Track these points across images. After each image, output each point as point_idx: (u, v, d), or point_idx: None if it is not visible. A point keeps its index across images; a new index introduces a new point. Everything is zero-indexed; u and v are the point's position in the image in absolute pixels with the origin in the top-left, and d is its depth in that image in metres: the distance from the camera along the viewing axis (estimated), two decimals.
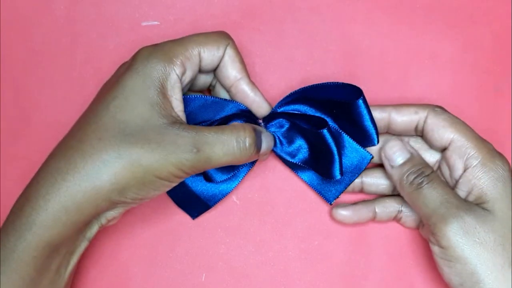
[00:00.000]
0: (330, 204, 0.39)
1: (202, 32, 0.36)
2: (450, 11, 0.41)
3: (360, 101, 0.36)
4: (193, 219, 0.40)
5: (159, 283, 0.40)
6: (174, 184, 0.33)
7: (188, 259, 0.40)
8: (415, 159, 0.36)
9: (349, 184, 0.38)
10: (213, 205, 0.39)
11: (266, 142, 0.35)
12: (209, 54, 0.35)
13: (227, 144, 0.33)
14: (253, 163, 0.39)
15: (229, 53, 0.35)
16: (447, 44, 0.41)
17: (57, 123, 0.40)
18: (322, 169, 0.37)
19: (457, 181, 0.35)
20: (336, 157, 0.36)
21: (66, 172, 0.31)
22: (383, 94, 0.41)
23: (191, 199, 0.39)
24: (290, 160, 0.38)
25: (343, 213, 0.39)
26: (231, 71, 0.36)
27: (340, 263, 0.40)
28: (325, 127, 0.35)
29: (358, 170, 0.38)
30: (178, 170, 0.32)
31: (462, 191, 0.35)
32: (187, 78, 0.34)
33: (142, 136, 0.31)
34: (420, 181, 0.35)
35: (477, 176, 0.34)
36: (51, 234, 0.31)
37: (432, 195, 0.34)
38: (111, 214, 0.33)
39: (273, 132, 0.38)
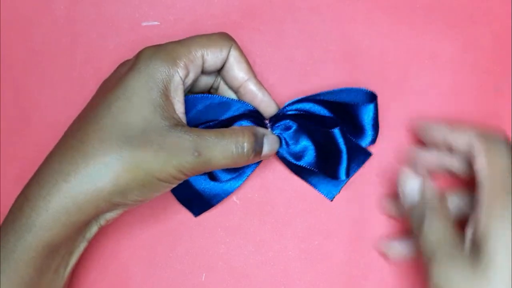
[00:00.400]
0: (331, 200, 0.39)
1: (203, 33, 0.36)
2: (450, 11, 0.41)
3: (372, 105, 0.37)
4: (196, 216, 0.40)
5: (159, 283, 0.40)
6: (173, 186, 0.33)
7: (188, 259, 0.40)
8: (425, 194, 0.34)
9: (347, 180, 0.39)
10: (216, 204, 0.39)
11: (269, 145, 0.35)
12: (212, 56, 0.35)
13: (227, 148, 0.33)
14: (258, 162, 0.39)
15: (234, 54, 0.35)
16: (447, 44, 0.41)
17: (57, 123, 0.40)
18: (328, 169, 0.37)
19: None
20: (345, 157, 0.36)
21: (67, 174, 0.31)
22: (383, 94, 0.41)
23: (194, 197, 0.39)
24: (295, 162, 0.38)
25: (394, 249, 0.38)
26: (238, 73, 0.36)
27: (340, 263, 0.40)
28: (336, 127, 0.36)
29: (356, 168, 0.39)
30: (179, 172, 0.32)
31: (470, 228, 0.32)
32: (189, 80, 0.34)
33: (144, 138, 0.31)
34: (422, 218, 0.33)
35: (482, 221, 0.31)
36: (51, 235, 0.31)
37: (431, 232, 0.32)
38: (110, 215, 0.33)
39: (279, 133, 0.38)
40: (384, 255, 0.40)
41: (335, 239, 0.40)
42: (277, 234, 0.40)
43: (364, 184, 0.40)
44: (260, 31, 0.41)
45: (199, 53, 0.34)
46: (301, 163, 0.38)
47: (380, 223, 0.40)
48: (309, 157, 0.38)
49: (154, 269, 0.40)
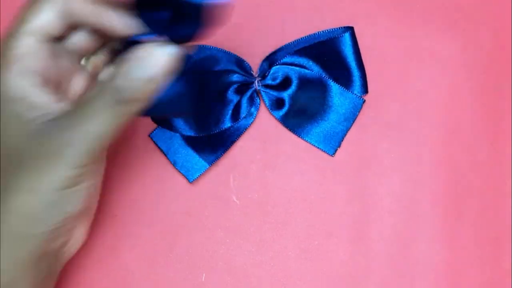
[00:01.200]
0: (332, 155, 0.40)
1: None
2: (450, 11, 0.41)
3: (348, 34, 0.38)
4: (190, 182, 0.40)
5: (159, 283, 0.40)
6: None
7: (188, 259, 0.40)
8: None
9: (346, 133, 0.40)
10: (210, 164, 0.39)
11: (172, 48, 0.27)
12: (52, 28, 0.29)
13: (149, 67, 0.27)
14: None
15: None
16: (447, 44, 0.41)
17: None
18: (341, 80, 0.39)
19: None
20: (356, 71, 0.39)
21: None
22: (383, 94, 0.41)
23: (190, 161, 0.40)
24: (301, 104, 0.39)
25: None
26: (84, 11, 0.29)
27: (340, 263, 0.40)
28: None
29: (353, 116, 0.39)
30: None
31: None
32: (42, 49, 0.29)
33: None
34: None
35: None
36: None
37: None
38: None
39: (271, 94, 0.39)
40: (383, 255, 0.40)
41: (335, 239, 0.40)
42: (277, 234, 0.40)
43: (364, 184, 0.40)
44: (260, 31, 0.41)
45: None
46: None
47: (380, 223, 0.40)
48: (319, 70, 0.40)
49: (154, 269, 0.40)
